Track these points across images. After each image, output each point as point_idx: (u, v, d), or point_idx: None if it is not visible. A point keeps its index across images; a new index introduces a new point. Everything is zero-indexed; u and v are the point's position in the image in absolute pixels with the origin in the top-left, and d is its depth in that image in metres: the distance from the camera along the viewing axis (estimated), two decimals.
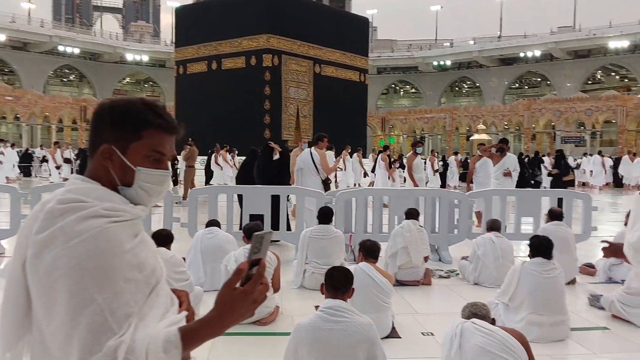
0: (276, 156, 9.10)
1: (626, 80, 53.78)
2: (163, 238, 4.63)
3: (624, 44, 48.89)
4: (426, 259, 6.41)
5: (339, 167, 16.65)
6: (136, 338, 1.16)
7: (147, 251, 1.32)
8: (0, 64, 52.94)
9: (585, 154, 26.74)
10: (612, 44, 49.41)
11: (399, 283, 6.06)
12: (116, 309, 1.17)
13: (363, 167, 20.29)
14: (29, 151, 28.96)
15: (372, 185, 16.58)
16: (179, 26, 29.78)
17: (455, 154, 25.79)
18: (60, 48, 53.41)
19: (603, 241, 2.86)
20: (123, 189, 1.34)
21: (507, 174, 10.13)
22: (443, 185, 20.48)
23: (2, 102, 42.01)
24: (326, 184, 8.95)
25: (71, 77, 59.87)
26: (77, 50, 54.36)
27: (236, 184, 9.63)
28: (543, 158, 20.27)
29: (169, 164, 1.41)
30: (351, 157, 19.89)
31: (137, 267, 1.25)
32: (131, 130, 1.32)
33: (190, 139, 15.07)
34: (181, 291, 1.51)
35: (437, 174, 19.36)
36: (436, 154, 23.60)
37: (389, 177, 14.83)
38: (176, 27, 30.65)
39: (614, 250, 2.78)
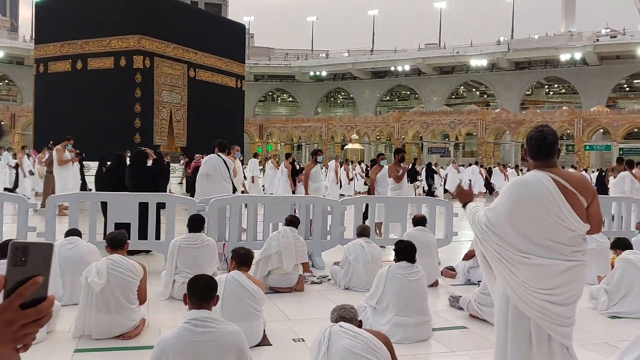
0: (149, 162, 8.72)
1: (485, 95, 58.71)
2: None
3: (483, 62, 53.24)
4: (305, 267, 6.47)
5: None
6: None
7: None
8: None
9: (470, 164, 29.01)
10: (473, 62, 53.58)
11: (273, 290, 6.04)
12: None
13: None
14: None
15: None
16: (40, 21, 27.68)
17: (359, 163, 26.77)
18: None
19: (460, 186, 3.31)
20: None
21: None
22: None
23: None
24: (235, 190, 8.74)
25: None
26: None
27: (96, 190, 9.00)
28: (433, 168, 21.58)
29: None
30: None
31: None
32: None
33: (50, 143, 14.03)
34: None
35: (352, 182, 20.29)
36: (350, 162, 24.43)
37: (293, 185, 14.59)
38: (36, 22, 28.47)
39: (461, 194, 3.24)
